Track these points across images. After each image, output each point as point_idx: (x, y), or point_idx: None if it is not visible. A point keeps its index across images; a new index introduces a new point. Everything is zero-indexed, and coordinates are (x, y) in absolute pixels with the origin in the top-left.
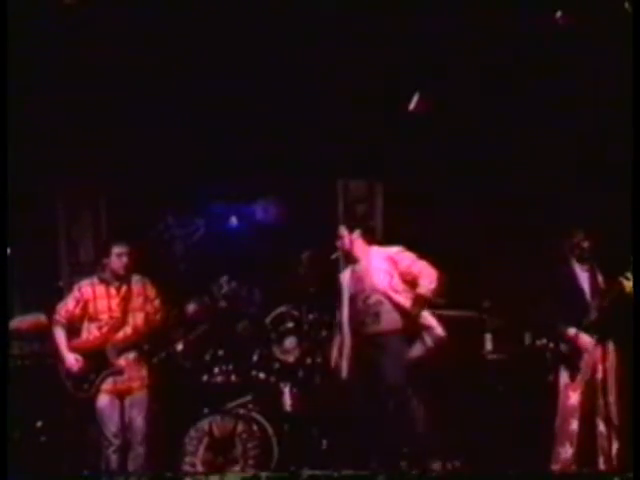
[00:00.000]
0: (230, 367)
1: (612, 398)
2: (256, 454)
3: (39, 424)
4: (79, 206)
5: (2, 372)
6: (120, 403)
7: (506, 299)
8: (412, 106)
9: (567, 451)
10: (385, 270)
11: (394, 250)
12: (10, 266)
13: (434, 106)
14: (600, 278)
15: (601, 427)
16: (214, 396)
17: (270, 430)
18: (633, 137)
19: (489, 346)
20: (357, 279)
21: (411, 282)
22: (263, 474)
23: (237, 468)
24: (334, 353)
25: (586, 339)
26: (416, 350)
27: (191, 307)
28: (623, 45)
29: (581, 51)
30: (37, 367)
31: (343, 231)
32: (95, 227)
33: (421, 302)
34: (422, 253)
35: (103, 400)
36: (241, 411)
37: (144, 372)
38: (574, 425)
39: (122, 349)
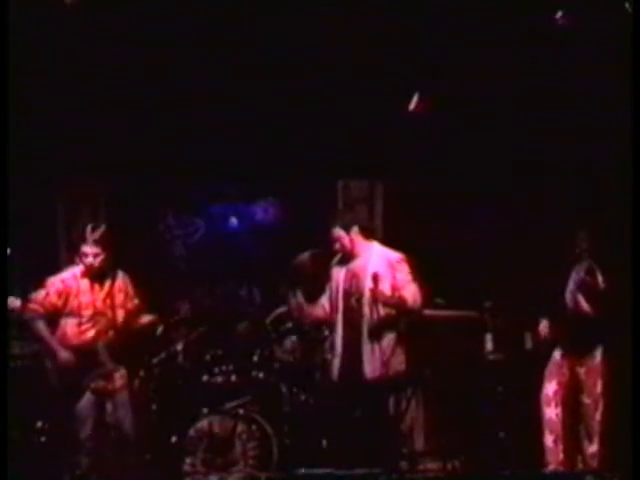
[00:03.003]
0: (230, 367)
1: (589, 398)
2: (256, 454)
3: (39, 424)
4: (79, 206)
5: (2, 372)
6: (101, 405)
7: (507, 299)
8: (412, 106)
9: (549, 440)
10: (381, 273)
11: (396, 257)
12: (10, 266)
13: (434, 106)
14: (593, 280)
15: (581, 426)
16: (214, 396)
17: (270, 430)
18: (632, 137)
19: (490, 346)
20: (353, 276)
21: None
22: (262, 475)
23: (237, 468)
24: (328, 353)
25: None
26: None
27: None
28: (623, 45)
29: (581, 51)
30: (37, 367)
31: (340, 232)
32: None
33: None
34: (422, 253)
35: (85, 400)
36: (241, 411)
37: (124, 372)
38: (551, 414)
39: (112, 349)
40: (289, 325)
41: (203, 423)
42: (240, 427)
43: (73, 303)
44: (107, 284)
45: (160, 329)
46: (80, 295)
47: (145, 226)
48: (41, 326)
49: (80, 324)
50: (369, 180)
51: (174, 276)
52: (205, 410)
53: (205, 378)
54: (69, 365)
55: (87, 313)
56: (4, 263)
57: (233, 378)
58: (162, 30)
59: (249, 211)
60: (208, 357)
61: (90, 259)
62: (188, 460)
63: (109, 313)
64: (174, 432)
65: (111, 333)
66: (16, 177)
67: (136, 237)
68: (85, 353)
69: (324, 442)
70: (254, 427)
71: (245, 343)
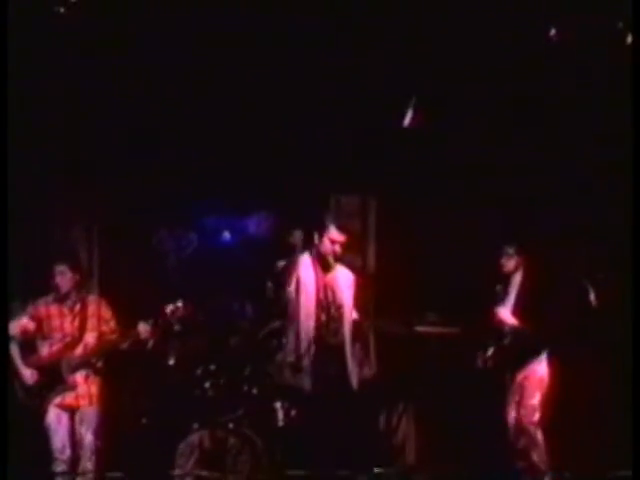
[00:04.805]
0: (222, 382)
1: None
2: (246, 469)
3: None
4: (78, 209)
5: (2, 373)
6: (68, 418)
7: None
8: (406, 121)
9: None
10: (349, 287)
11: (352, 275)
12: (10, 268)
13: (428, 121)
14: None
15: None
16: (205, 410)
17: (260, 445)
18: (633, 143)
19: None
20: (327, 287)
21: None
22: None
23: None
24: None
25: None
26: None
27: None
28: (621, 57)
29: (579, 62)
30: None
31: (341, 238)
32: (88, 240)
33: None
34: (414, 268)
35: (51, 415)
36: (232, 426)
37: (93, 389)
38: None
39: (75, 366)
40: (282, 340)
41: (194, 437)
42: (231, 441)
43: (44, 327)
44: (77, 308)
45: (151, 343)
46: (50, 319)
47: (138, 239)
48: (13, 349)
49: (50, 346)
50: (361, 195)
51: (166, 289)
52: (196, 424)
53: (197, 392)
54: (34, 385)
55: (57, 336)
56: (4, 264)
57: (224, 392)
58: (158, 42)
59: (242, 224)
60: (200, 371)
61: (57, 282)
62: (178, 473)
63: (78, 335)
64: (165, 446)
65: (79, 352)
66: (16, 177)
67: (129, 250)
68: (51, 373)
69: (315, 457)
70: (245, 441)
71: (237, 358)
